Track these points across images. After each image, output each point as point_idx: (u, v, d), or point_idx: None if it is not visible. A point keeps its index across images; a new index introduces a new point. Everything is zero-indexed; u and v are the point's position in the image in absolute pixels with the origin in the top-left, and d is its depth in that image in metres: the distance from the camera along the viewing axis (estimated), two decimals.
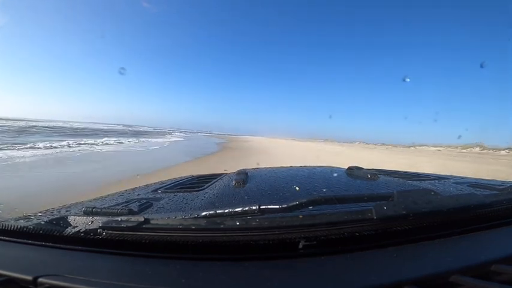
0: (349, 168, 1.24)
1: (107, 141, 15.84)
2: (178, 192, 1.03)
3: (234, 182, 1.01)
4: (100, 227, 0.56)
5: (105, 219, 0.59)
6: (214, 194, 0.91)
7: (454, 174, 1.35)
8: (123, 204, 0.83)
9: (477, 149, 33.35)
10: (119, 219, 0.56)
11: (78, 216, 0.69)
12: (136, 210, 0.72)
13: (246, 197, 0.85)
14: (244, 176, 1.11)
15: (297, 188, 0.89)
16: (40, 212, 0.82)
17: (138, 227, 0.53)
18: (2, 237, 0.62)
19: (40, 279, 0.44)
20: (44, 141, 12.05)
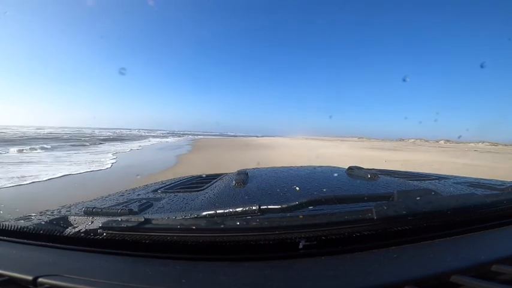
0: (350, 168, 1.24)
1: None
2: (178, 192, 1.03)
3: (234, 182, 1.01)
4: (100, 227, 0.56)
5: (105, 219, 0.59)
6: (214, 194, 0.91)
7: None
8: (123, 204, 0.83)
9: None
10: (119, 219, 0.56)
11: (79, 216, 0.69)
12: (136, 210, 0.72)
13: (246, 197, 0.85)
14: (244, 176, 1.11)
15: (297, 188, 0.89)
16: (40, 212, 0.82)
17: (138, 227, 0.53)
18: (2, 237, 0.62)
19: (40, 279, 0.44)
20: None
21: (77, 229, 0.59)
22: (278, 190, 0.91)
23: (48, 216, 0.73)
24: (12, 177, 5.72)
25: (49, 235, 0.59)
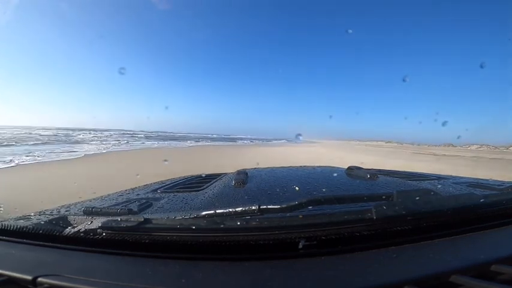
0: (349, 168, 1.24)
1: None
2: (178, 192, 1.03)
3: (234, 182, 1.01)
4: (100, 227, 0.56)
5: (104, 219, 0.59)
6: (214, 194, 0.91)
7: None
8: (122, 204, 0.83)
9: None
10: (119, 219, 0.56)
11: (78, 216, 0.69)
12: (136, 210, 0.72)
13: (246, 197, 0.85)
14: (244, 176, 1.11)
15: (297, 188, 0.89)
16: (39, 212, 0.82)
17: (138, 227, 0.53)
18: (2, 237, 0.62)
19: (39, 279, 0.44)
20: None
21: (76, 229, 0.59)
22: (278, 190, 0.91)
23: (47, 216, 0.73)
24: None
25: (48, 235, 0.59)
